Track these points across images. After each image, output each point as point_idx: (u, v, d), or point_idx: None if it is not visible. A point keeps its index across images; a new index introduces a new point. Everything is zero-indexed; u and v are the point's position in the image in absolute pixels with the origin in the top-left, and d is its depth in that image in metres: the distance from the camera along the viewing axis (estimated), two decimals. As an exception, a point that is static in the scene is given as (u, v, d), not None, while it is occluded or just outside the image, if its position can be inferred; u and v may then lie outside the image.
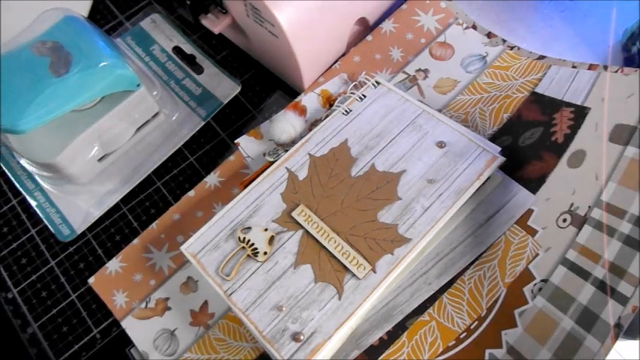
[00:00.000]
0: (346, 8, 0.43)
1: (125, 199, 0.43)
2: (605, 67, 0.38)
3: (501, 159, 0.36)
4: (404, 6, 0.47)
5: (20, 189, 0.43)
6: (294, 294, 0.33)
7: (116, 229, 0.42)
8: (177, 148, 0.44)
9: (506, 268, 0.35)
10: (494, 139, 0.40)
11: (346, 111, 0.40)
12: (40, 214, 0.42)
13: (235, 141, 0.43)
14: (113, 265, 0.39)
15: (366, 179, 0.37)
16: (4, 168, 0.44)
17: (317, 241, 0.35)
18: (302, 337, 0.32)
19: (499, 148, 0.37)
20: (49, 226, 0.42)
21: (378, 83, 0.41)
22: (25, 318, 0.39)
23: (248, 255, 0.35)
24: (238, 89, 0.46)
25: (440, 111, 0.42)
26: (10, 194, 0.44)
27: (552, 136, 0.38)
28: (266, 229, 0.35)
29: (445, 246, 0.37)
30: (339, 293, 0.33)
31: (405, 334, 0.35)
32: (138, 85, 0.40)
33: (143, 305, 0.38)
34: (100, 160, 0.42)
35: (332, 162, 0.38)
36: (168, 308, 0.38)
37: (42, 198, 0.43)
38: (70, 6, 0.42)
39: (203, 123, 0.45)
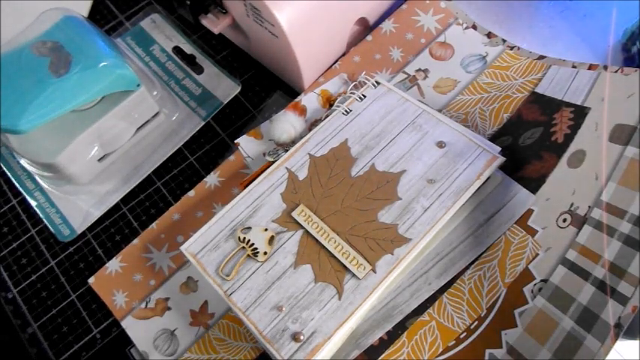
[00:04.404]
0: (346, 8, 0.43)
1: (125, 199, 0.43)
2: (605, 67, 0.38)
3: (501, 159, 0.36)
4: (404, 6, 0.47)
5: (20, 189, 0.43)
6: (294, 294, 0.33)
7: (116, 229, 0.42)
8: (177, 148, 0.44)
9: (507, 268, 0.35)
10: (494, 139, 0.40)
11: (346, 111, 0.40)
12: (40, 214, 0.42)
13: (235, 141, 0.43)
14: (113, 265, 0.39)
15: (366, 179, 0.37)
16: (4, 168, 0.44)
17: (317, 241, 0.35)
18: (302, 337, 0.32)
19: (499, 148, 0.37)
20: (49, 226, 0.42)
21: (378, 83, 0.41)
22: (25, 318, 0.39)
23: (248, 255, 0.35)
24: (238, 89, 0.46)
25: (440, 111, 0.42)
26: (10, 194, 0.44)
27: (552, 136, 0.38)
28: (266, 229, 0.35)
29: (445, 246, 0.37)
30: (339, 293, 0.33)
31: (405, 334, 0.35)
32: (138, 85, 0.40)
33: (143, 305, 0.38)
34: (100, 160, 0.42)
35: (332, 162, 0.38)
36: (169, 308, 0.38)
37: (42, 198, 0.43)
38: (70, 6, 0.42)
39: (203, 123, 0.45)
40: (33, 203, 0.43)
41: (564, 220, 0.34)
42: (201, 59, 0.48)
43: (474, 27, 0.46)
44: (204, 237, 0.36)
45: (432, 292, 0.35)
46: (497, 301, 0.34)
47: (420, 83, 0.44)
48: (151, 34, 0.49)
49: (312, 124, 0.42)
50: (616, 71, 0.37)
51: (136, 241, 0.40)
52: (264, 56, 0.46)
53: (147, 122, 0.43)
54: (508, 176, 0.38)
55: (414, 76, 0.44)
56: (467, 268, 0.36)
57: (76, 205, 0.42)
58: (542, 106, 0.40)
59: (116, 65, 0.38)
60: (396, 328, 0.35)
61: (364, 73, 0.44)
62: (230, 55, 0.49)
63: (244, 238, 0.35)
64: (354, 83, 0.43)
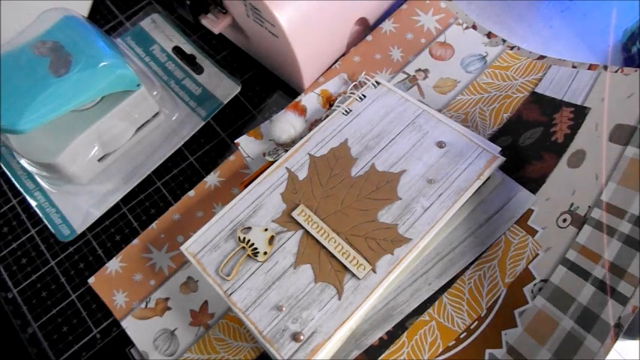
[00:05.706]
0: (346, 8, 0.43)
1: (125, 199, 0.43)
2: (605, 67, 0.38)
3: (501, 159, 0.36)
4: (404, 6, 0.47)
5: (20, 189, 0.43)
6: (294, 294, 0.33)
7: (116, 229, 0.42)
8: (177, 148, 0.44)
9: (507, 268, 0.35)
10: (494, 139, 0.40)
11: (346, 111, 0.40)
12: (40, 214, 0.42)
13: (235, 141, 0.43)
14: (113, 265, 0.39)
15: (366, 179, 0.37)
16: (4, 168, 0.44)
17: (317, 241, 0.35)
18: (302, 337, 0.32)
19: (499, 148, 0.37)
20: (49, 226, 0.42)
21: (378, 83, 0.41)
22: (25, 318, 0.39)
23: (248, 255, 0.35)
24: (238, 89, 0.46)
25: (440, 111, 0.42)
26: (10, 194, 0.44)
27: (552, 136, 0.38)
28: (266, 229, 0.35)
29: (445, 246, 0.37)
30: (339, 293, 0.33)
31: (405, 334, 0.35)
32: (138, 85, 0.40)
33: (143, 305, 0.38)
34: (100, 160, 0.42)
35: (332, 162, 0.38)
36: (169, 308, 0.38)
37: (42, 198, 0.43)
38: (70, 6, 0.42)
39: (203, 123, 0.45)
40: (33, 203, 0.43)
41: (564, 220, 0.34)
42: (201, 59, 0.48)
43: (474, 27, 0.46)
44: (204, 237, 0.36)
45: (432, 292, 0.35)
46: (498, 301, 0.34)
47: (420, 83, 0.44)
48: (151, 34, 0.49)
49: (312, 124, 0.42)
50: (616, 71, 0.37)
51: (135, 241, 0.40)
52: (264, 56, 0.46)
53: (147, 122, 0.43)
54: (508, 176, 0.38)
55: (414, 76, 0.44)
56: (467, 268, 0.36)
57: (76, 205, 0.42)
58: (542, 106, 0.40)
59: (116, 65, 0.38)
60: (396, 328, 0.35)
61: (364, 73, 0.44)
62: (230, 55, 0.49)
63: (244, 238, 0.35)
64: (354, 83, 0.43)
